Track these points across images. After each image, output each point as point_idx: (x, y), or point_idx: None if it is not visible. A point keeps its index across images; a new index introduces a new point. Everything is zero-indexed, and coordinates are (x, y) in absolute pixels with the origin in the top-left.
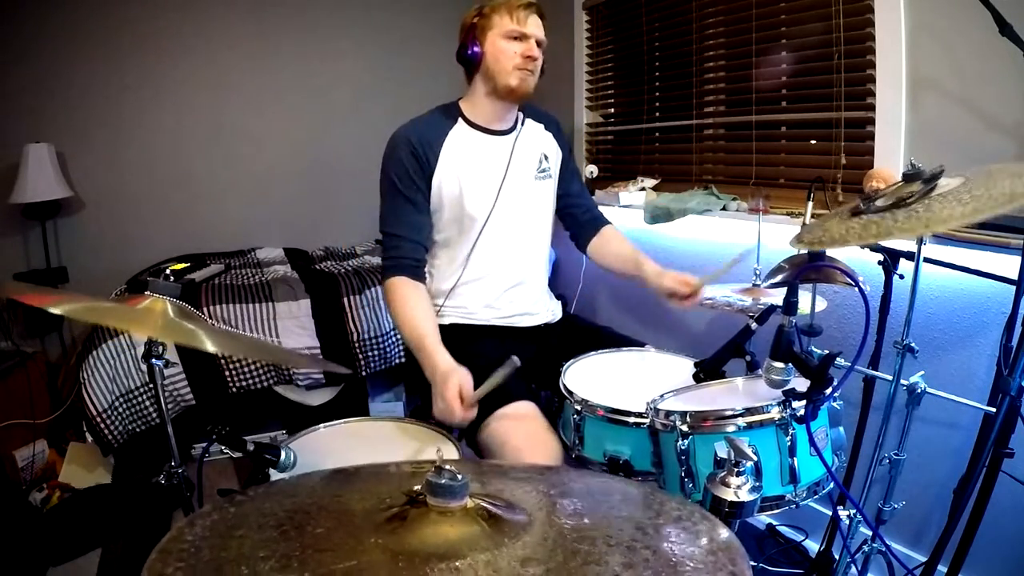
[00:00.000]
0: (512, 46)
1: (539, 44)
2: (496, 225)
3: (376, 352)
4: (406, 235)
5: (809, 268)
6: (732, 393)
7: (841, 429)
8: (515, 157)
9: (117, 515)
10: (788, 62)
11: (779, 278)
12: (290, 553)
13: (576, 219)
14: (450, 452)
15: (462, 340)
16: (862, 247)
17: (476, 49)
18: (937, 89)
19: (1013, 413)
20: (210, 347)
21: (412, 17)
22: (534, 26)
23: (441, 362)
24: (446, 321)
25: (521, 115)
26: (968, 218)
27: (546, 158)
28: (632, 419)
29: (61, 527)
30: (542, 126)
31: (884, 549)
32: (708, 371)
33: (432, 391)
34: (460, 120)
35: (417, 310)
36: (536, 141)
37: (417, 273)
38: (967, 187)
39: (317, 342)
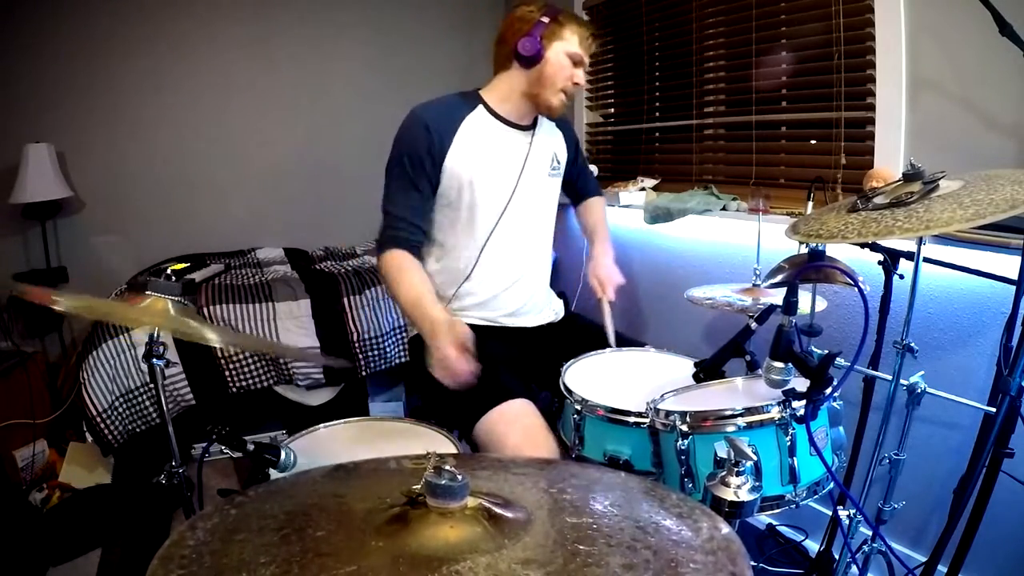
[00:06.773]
0: (570, 67)
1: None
2: (511, 220)
3: (376, 352)
4: (408, 217)
5: (809, 268)
6: (732, 393)
7: (841, 429)
8: (533, 153)
9: (117, 515)
10: (788, 62)
11: (779, 278)
12: (291, 558)
13: (575, 188)
14: (450, 451)
15: None
16: (861, 246)
17: (541, 49)
18: (937, 89)
19: (1013, 413)
20: (214, 340)
21: (412, 17)
22: (587, 57)
23: (438, 314)
24: None
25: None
26: (969, 222)
27: (556, 157)
28: (632, 419)
29: (61, 527)
30: (554, 124)
31: (884, 549)
32: (708, 371)
33: (430, 346)
34: (480, 107)
35: (414, 276)
36: (550, 140)
37: (415, 253)
38: (967, 190)
39: (317, 342)
